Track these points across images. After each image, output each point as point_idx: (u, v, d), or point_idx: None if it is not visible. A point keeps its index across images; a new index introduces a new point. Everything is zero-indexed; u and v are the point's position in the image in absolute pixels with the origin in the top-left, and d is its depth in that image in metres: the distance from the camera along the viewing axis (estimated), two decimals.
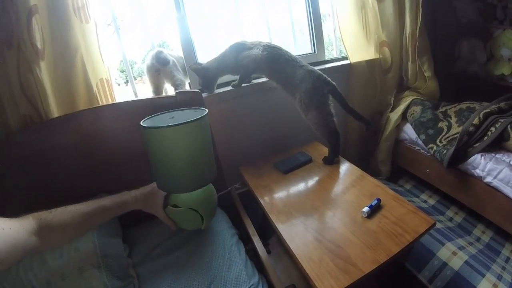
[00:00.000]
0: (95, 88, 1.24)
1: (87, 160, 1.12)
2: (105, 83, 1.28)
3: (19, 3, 1.00)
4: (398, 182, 1.92)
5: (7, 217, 0.66)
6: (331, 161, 1.40)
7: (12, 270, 0.88)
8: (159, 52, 1.35)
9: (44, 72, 1.11)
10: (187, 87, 1.51)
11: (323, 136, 1.38)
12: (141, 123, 0.95)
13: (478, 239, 1.49)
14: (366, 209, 1.06)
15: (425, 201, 1.75)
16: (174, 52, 1.52)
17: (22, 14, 1.01)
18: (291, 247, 0.98)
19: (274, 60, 1.35)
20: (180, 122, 0.89)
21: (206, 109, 1.03)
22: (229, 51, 1.40)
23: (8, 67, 1.03)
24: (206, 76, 1.40)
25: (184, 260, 1.00)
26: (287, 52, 1.38)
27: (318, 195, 1.22)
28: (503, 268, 1.31)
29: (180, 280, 0.94)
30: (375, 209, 1.08)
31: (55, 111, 1.15)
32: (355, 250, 0.94)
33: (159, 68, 1.38)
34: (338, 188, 1.27)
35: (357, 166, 1.38)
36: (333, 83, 1.35)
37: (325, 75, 1.34)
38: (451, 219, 1.62)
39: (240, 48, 1.39)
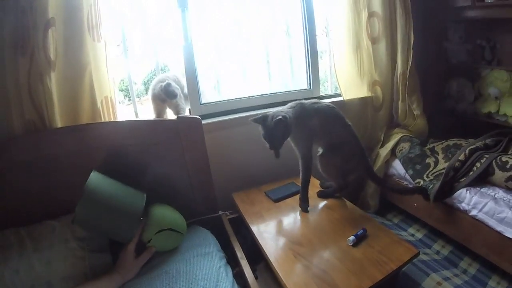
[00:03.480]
0: (99, 105, 1.29)
1: (86, 171, 1.11)
2: (109, 101, 1.33)
3: (38, 14, 1.07)
4: (386, 216, 1.94)
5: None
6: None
7: None
8: (168, 85, 1.38)
9: (54, 82, 1.16)
10: (187, 113, 1.57)
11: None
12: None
13: (465, 271, 1.50)
14: (352, 237, 1.10)
15: (413, 235, 1.77)
16: (173, 73, 1.57)
17: (40, 24, 1.08)
18: (278, 271, 1.00)
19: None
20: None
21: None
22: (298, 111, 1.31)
23: (20, 73, 1.08)
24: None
25: (171, 277, 0.99)
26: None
27: (306, 223, 1.26)
28: None
29: None
30: (361, 238, 1.12)
31: (58, 121, 1.18)
32: (340, 275, 0.96)
33: (166, 99, 1.42)
34: (326, 217, 1.30)
35: (346, 199, 1.42)
36: None
37: None
38: (438, 252, 1.63)
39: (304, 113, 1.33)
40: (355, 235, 1.11)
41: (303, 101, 1.35)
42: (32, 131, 1.13)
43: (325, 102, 1.38)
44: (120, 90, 1.96)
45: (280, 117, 1.20)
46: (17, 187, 1.07)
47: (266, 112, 1.27)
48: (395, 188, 1.57)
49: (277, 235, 1.20)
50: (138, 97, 1.94)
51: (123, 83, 1.84)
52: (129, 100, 1.76)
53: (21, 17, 1.05)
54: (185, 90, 1.55)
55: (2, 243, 0.96)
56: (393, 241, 1.11)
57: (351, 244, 1.09)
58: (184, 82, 1.54)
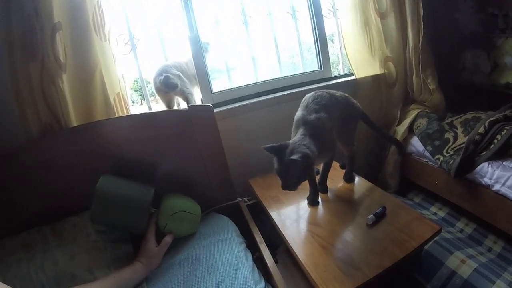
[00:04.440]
0: (112, 102, 1.32)
1: (104, 168, 1.15)
2: (121, 98, 1.36)
3: (44, 20, 1.09)
4: (407, 195, 1.91)
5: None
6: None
7: (22, 269, 0.91)
8: (166, 78, 1.39)
9: (66, 83, 1.19)
10: (198, 101, 1.58)
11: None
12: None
13: (490, 249, 1.46)
14: (371, 216, 1.08)
15: (435, 214, 1.73)
16: (174, 59, 1.56)
17: (47, 29, 1.11)
18: (297, 253, 1.00)
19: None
20: None
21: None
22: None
23: (32, 78, 1.11)
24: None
25: (192, 263, 1.02)
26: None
27: (324, 204, 1.25)
28: None
29: (188, 282, 0.95)
30: (380, 217, 1.10)
31: (74, 120, 1.22)
32: (360, 255, 0.95)
33: (168, 91, 1.44)
34: (345, 198, 1.29)
35: (365, 179, 1.40)
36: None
37: None
38: (461, 231, 1.60)
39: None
40: (374, 214, 1.09)
41: (310, 117, 1.14)
42: (49, 132, 1.17)
43: (335, 95, 1.25)
44: (134, 91, 1.99)
45: (300, 155, 0.98)
46: (39, 187, 1.10)
47: (284, 142, 1.07)
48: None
49: (295, 217, 1.20)
50: (153, 96, 1.97)
51: (137, 83, 1.86)
52: (143, 99, 1.78)
53: (28, 23, 1.08)
54: (191, 71, 1.55)
55: (27, 242, 1.00)
56: (413, 218, 1.09)
57: (371, 223, 1.07)
58: (187, 65, 1.55)
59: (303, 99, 1.25)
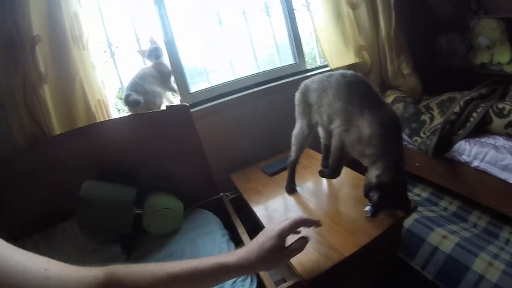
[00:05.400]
0: (93, 108, 1.36)
1: (90, 172, 1.21)
2: (102, 104, 1.40)
3: (23, 34, 1.14)
4: None
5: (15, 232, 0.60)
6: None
7: None
8: (127, 97, 1.39)
9: (48, 93, 1.24)
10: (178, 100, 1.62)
11: None
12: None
13: (475, 225, 1.49)
14: (368, 208, 0.98)
15: (418, 195, 1.77)
16: (142, 68, 1.54)
17: (27, 43, 1.16)
18: None
19: None
20: None
21: None
22: None
23: (15, 89, 1.16)
24: None
25: (177, 257, 1.06)
26: None
27: (301, 191, 1.28)
28: (501, 249, 1.29)
29: None
30: (358, 199, 1.11)
31: (57, 129, 1.26)
32: (337, 236, 0.98)
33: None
34: (321, 183, 1.33)
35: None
36: None
37: None
38: (445, 209, 1.63)
39: None
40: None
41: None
42: (34, 141, 1.22)
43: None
44: (120, 99, 2.02)
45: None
46: (28, 196, 1.15)
47: None
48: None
49: (274, 207, 1.24)
50: None
51: (121, 91, 1.90)
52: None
53: (10, 38, 1.13)
54: (163, 73, 1.54)
55: None
56: None
57: (369, 215, 0.97)
58: (156, 69, 1.53)
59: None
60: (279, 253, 0.72)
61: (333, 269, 0.88)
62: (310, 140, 1.26)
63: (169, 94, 1.61)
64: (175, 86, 1.58)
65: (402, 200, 0.98)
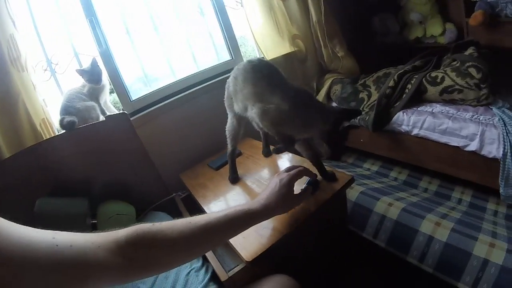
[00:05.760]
0: (39, 127, 1.40)
1: (43, 189, 1.25)
2: (47, 122, 1.44)
3: None
4: (341, 158, 2.05)
5: None
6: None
7: None
8: (61, 121, 1.38)
9: None
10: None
11: None
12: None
13: (426, 190, 1.58)
14: (304, 186, 1.02)
15: (368, 169, 1.87)
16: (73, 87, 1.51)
17: None
18: None
19: None
20: None
21: None
22: None
23: None
24: None
25: None
26: None
27: (245, 179, 1.36)
28: (452, 208, 1.35)
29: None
30: (315, 184, 1.10)
31: (6, 152, 1.29)
32: (278, 219, 1.00)
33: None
34: (263, 170, 1.41)
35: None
36: None
37: None
38: (396, 179, 1.72)
39: None
40: (308, 183, 1.04)
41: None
42: None
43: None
44: None
45: None
46: None
47: None
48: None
49: (220, 197, 1.30)
50: None
51: None
52: None
53: None
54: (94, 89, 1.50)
55: None
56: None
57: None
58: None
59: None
60: (291, 198, 0.86)
61: (274, 247, 0.94)
62: (243, 130, 1.33)
63: (109, 104, 1.60)
64: (107, 99, 1.56)
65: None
